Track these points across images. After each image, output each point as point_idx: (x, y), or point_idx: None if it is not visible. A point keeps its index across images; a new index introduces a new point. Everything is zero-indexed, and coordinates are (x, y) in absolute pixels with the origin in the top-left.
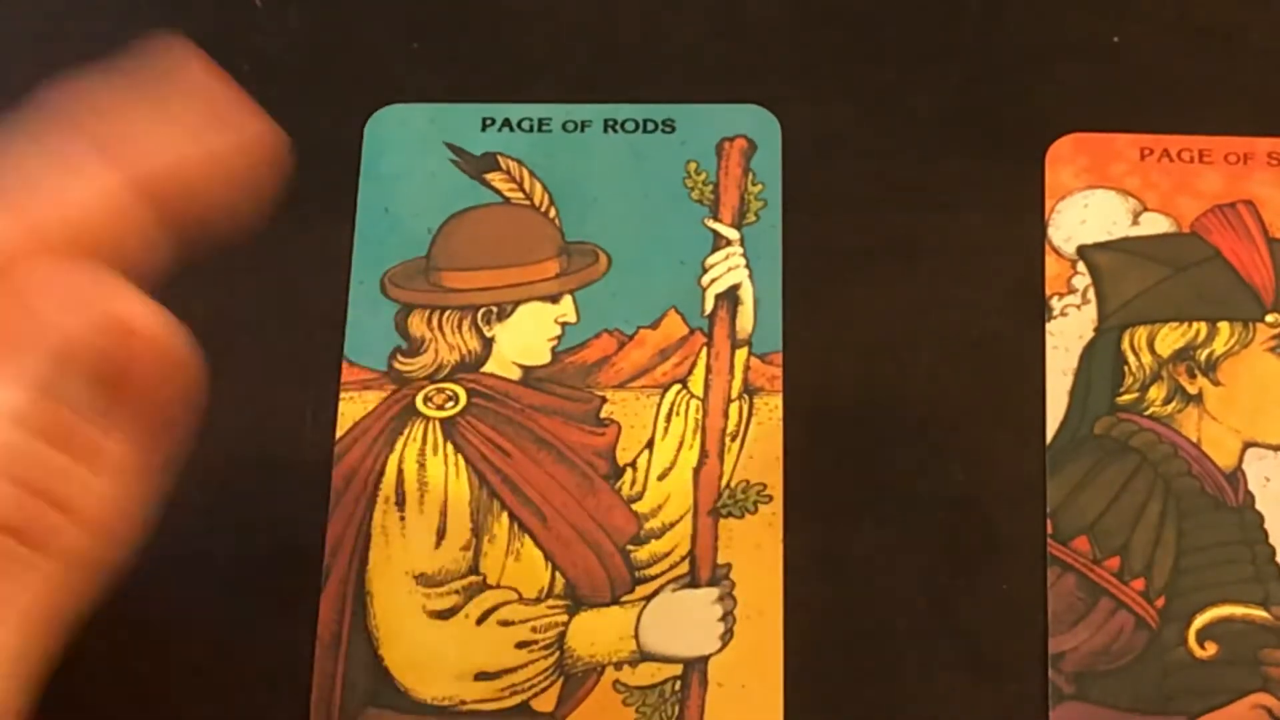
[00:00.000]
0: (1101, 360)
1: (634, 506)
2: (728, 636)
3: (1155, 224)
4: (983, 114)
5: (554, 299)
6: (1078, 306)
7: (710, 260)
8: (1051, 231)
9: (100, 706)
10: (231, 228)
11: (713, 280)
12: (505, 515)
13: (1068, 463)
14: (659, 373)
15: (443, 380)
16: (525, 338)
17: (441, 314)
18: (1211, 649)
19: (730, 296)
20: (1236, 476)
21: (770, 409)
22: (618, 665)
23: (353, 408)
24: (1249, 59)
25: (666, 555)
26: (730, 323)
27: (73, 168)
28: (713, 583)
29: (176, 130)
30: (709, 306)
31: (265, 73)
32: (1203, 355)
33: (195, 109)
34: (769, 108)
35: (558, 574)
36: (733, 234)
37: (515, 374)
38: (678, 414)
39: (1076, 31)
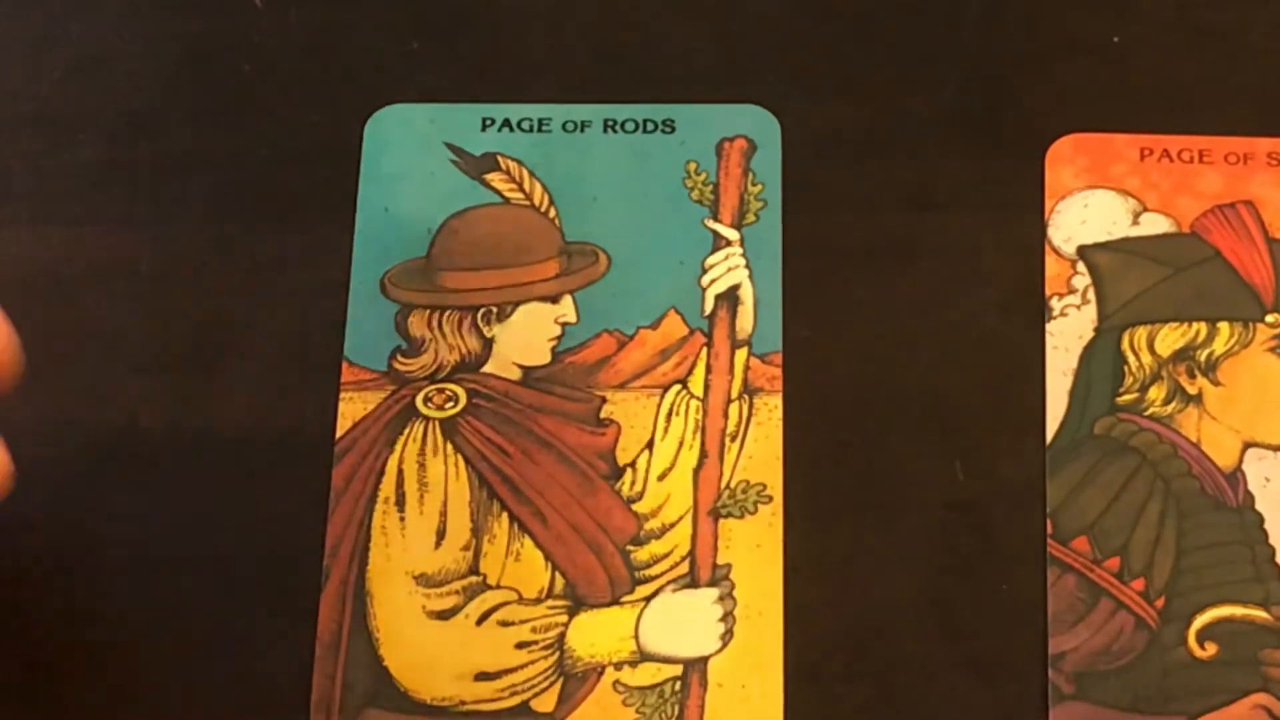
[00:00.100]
0: (1101, 360)
1: (634, 507)
2: (728, 637)
3: (1155, 224)
4: (983, 114)
5: (554, 299)
6: (1078, 306)
7: (710, 260)
8: (1051, 231)
9: (100, 706)
10: None
11: (713, 280)
12: (505, 515)
13: (1068, 463)
14: (659, 373)
15: (443, 380)
16: (525, 338)
17: (441, 314)
18: (1211, 649)
19: (730, 297)
20: (1236, 477)
21: (770, 409)
22: (618, 665)
23: (353, 408)
24: (1249, 59)
25: (666, 555)
26: (730, 323)
27: None
28: (713, 583)
29: None
30: (709, 307)
31: (265, 73)
32: (1203, 355)
33: None
34: (769, 108)
35: (558, 574)
36: (733, 234)
37: (515, 374)
38: (678, 414)
39: (1076, 31)
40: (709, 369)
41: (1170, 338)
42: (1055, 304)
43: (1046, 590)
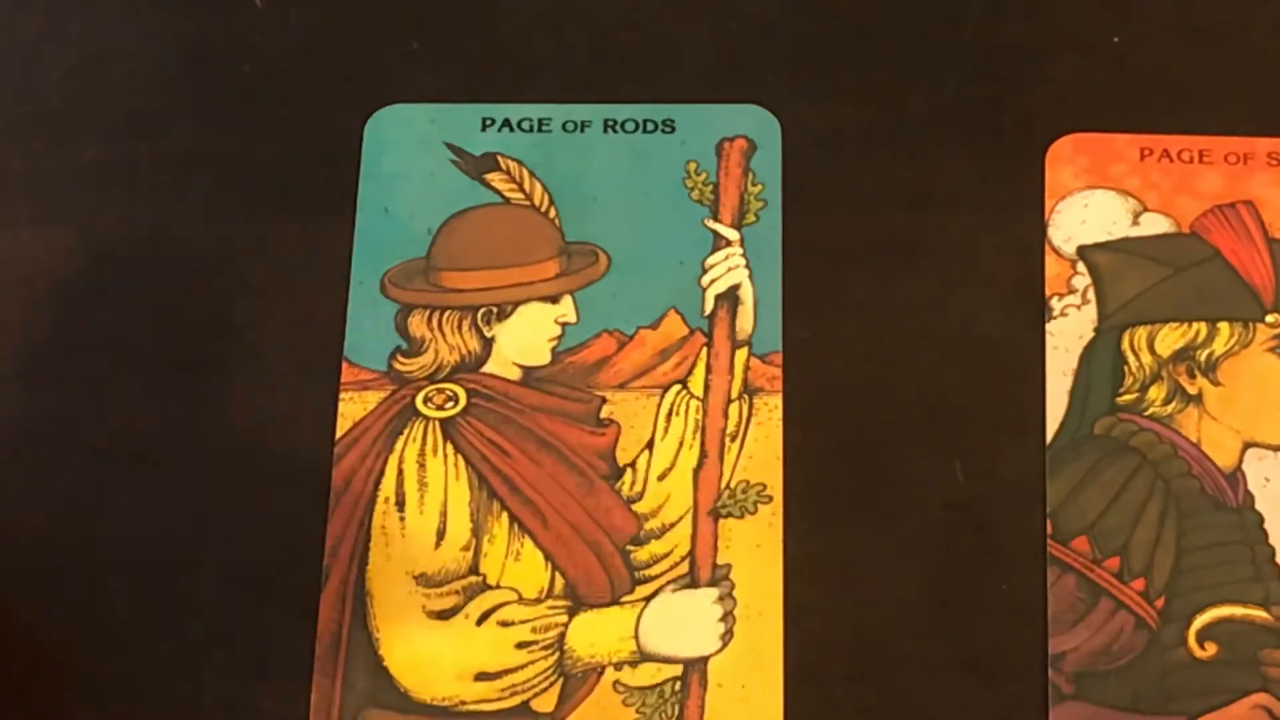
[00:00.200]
0: (1101, 360)
1: (634, 507)
2: (728, 637)
3: (1155, 224)
4: (983, 114)
5: (554, 299)
6: (1078, 306)
7: (710, 260)
8: (1051, 231)
9: (101, 705)
10: None
11: (713, 281)
12: (505, 515)
13: (1068, 463)
14: (659, 373)
15: (443, 380)
16: (525, 338)
17: (441, 314)
18: (1211, 649)
19: (730, 297)
20: (1236, 477)
21: (770, 409)
22: (618, 665)
23: (353, 408)
24: (1249, 59)
25: (666, 555)
26: (730, 323)
27: None
28: (713, 583)
29: None
30: (709, 307)
31: (265, 73)
32: (1203, 355)
33: None
34: (769, 108)
35: (558, 574)
36: (733, 234)
37: (515, 374)
38: (678, 414)
39: (1076, 31)
40: (709, 369)
41: (1170, 338)
42: (1055, 304)
43: (1046, 590)
